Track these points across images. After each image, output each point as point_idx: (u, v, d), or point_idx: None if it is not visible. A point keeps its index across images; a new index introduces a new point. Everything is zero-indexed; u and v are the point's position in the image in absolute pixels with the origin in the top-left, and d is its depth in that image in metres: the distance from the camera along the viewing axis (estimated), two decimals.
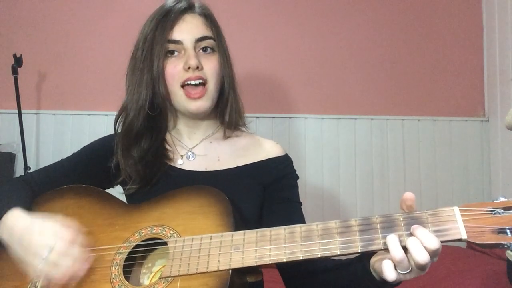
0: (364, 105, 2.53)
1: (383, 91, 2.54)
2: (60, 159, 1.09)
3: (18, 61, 2.15)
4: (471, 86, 2.58)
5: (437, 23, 2.58)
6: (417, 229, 0.69)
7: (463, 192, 2.52)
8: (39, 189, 1.01)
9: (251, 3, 2.53)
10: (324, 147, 2.49)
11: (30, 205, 0.94)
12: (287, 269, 0.98)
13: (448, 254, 1.97)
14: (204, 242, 0.79)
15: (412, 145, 2.52)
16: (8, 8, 2.44)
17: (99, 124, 2.37)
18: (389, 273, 0.69)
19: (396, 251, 0.68)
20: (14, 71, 2.14)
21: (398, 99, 2.55)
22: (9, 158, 2.32)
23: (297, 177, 1.07)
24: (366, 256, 0.80)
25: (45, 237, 0.80)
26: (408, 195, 0.73)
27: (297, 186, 1.06)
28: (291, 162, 1.08)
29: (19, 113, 2.18)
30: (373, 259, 0.77)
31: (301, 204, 1.05)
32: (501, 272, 1.74)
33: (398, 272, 0.69)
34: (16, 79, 2.15)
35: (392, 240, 0.69)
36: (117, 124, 1.06)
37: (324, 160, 2.49)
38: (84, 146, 1.10)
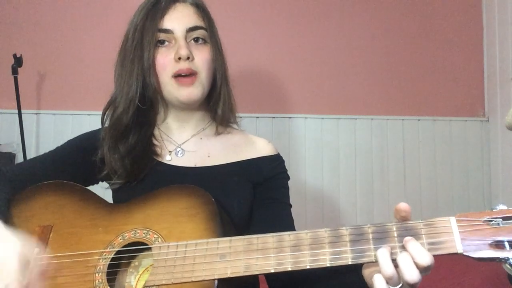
0: (364, 105, 2.52)
1: (383, 91, 2.54)
2: (43, 153, 1.06)
3: (18, 61, 2.15)
4: (471, 86, 2.58)
5: (437, 23, 2.57)
6: (409, 242, 0.65)
7: (463, 192, 2.52)
8: (20, 184, 0.96)
9: (251, 2, 2.53)
10: (324, 147, 2.49)
11: (6, 207, 0.90)
12: (275, 277, 0.95)
13: (448, 254, 1.97)
14: (189, 249, 0.76)
15: (412, 145, 2.52)
16: (8, 8, 2.43)
17: (99, 124, 2.37)
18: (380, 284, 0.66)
19: (386, 267, 0.65)
20: (14, 71, 2.14)
21: (398, 99, 2.55)
22: (9, 158, 2.32)
23: (288, 178, 1.05)
24: (360, 266, 0.76)
25: (3, 272, 0.72)
26: (403, 206, 0.68)
27: (287, 187, 1.04)
28: (283, 161, 1.06)
29: (19, 113, 2.18)
30: (366, 271, 0.74)
31: (290, 206, 1.03)
32: (501, 272, 1.73)
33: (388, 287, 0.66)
34: (16, 79, 2.15)
35: (382, 255, 0.66)
36: (105, 118, 1.03)
37: (324, 160, 2.49)
38: (68, 141, 1.07)
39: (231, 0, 2.49)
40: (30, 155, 2.31)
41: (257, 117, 2.45)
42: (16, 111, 2.18)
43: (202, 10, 1.01)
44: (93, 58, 2.44)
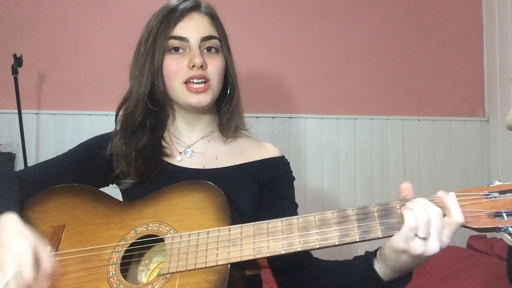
0: (364, 105, 2.53)
1: (383, 91, 2.54)
2: (55, 156, 1.08)
3: (18, 61, 2.14)
4: (471, 86, 2.58)
5: (437, 23, 2.58)
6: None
7: None
8: (32, 187, 0.99)
9: (251, 3, 2.53)
10: (324, 147, 2.49)
11: (20, 207, 0.92)
12: (283, 273, 0.97)
13: (448, 254, 1.97)
14: (201, 237, 0.79)
15: (412, 145, 2.52)
16: (8, 8, 2.43)
17: (99, 124, 2.37)
18: (410, 220, 0.69)
19: (409, 220, 0.68)
20: (14, 71, 2.14)
21: (398, 99, 2.55)
22: (9, 158, 2.31)
23: (293, 178, 1.07)
24: (372, 256, 0.80)
25: (16, 262, 0.75)
26: (404, 185, 0.75)
27: (293, 187, 1.06)
28: (288, 163, 1.09)
29: (19, 113, 2.18)
30: (380, 251, 0.78)
31: (296, 205, 1.05)
32: (501, 272, 1.74)
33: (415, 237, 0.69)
34: (16, 79, 2.15)
35: (408, 213, 0.69)
36: (119, 114, 1.06)
37: (324, 160, 2.49)
38: (80, 143, 1.09)
39: (230, 0, 2.49)
40: (30, 155, 2.31)
41: (257, 117, 2.45)
42: (16, 111, 2.18)
43: (216, 21, 1.05)
44: (93, 58, 2.44)
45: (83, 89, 2.43)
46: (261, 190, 1.03)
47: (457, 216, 0.69)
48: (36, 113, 2.41)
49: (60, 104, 2.43)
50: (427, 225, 0.69)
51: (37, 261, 0.77)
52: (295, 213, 1.02)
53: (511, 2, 2.36)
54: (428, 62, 2.56)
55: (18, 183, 0.99)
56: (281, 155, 1.09)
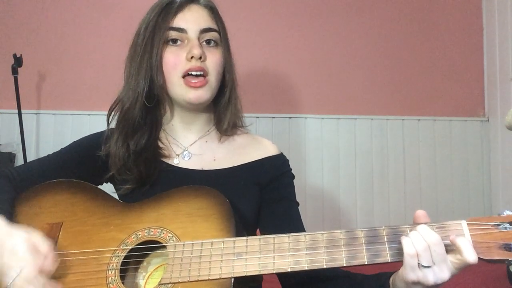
0: (364, 105, 2.53)
1: (383, 91, 2.54)
2: (46, 155, 1.04)
3: (18, 61, 2.14)
4: (471, 86, 2.58)
5: (437, 23, 2.58)
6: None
7: (463, 192, 2.52)
8: (22, 186, 0.95)
9: (252, 3, 2.53)
10: (324, 147, 2.49)
11: (11, 206, 0.89)
12: (290, 286, 0.96)
13: None
14: (205, 248, 0.76)
15: (412, 145, 2.52)
16: (8, 8, 2.43)
17: (99, 124, 2.35)
18: (408, 247, 0.68)
19: (409, 249, 0.68)
20: (14, 71, 2.14)
21: (398, 99, 2.55)
22: (9, 158, 2.31)
23: (293, 176, 1.05)
24: (387, 284, 0.79)
25: (15, 259, 0.74)
26: (418, 213, 0.74)
27: (293, 185, 1.04)
28: (287, 160, 1.06)
29: (19, 113, 2.18)
30: (393, 276, 0.77)
31: (298, 204, 1.03)
32: (501, 272, 1.74)
33: (420, 266, 0.69)
34: (16, 79, 2.15)
35: (406, 240, 0.69)
36: (110, 116, 1.02)
37: (324, 160, 2.49)
38: (73, 142, 1.06)
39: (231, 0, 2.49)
40: (30, 155, 2.30)
41: (257, 117, 2.45)
42: (16, 111, 2.18)
43: (215, 14, 1.02)
44: (93, 58, 2.44)
45: (83, 89, 2.43)
46: (261, 192, 1.00)
47: (470, 257, 0.67)
48: (36, 113, 2.41)
49: (60, 104, 2.43)
50: (426, 252, 0.68)
51: (36, 250, 0.75)
52: (298, 214, 1.01)
53: (511, 2, 2.36)
54: (428, 62, 2.56)
55: (8, 182, 0.95)
56: (279, 152, 1.05)
